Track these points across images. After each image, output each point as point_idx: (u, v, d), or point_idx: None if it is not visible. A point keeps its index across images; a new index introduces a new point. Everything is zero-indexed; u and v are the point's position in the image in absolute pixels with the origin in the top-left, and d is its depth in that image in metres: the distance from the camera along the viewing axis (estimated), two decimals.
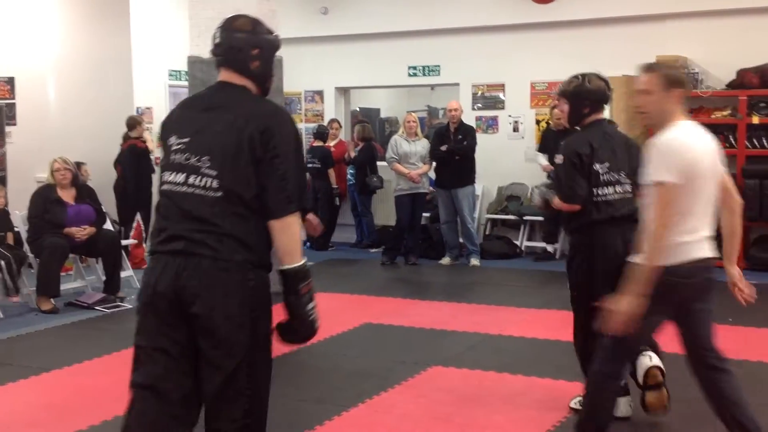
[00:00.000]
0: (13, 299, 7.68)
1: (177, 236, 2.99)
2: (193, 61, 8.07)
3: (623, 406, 4.69)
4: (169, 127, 3.19)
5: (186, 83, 8.83)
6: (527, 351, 6.31)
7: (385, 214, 11.49)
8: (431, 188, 10.43)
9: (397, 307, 7.79)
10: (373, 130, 12.52)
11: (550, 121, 10.23)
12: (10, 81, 10.03)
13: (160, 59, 11.45)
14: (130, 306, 7.94)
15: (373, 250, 11.01)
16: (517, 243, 10.80)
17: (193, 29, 8.09)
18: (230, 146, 2.96)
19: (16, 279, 7.67)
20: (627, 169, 4.55)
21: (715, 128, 9.53)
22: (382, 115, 16.44)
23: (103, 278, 8.28)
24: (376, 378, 5.58)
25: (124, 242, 9.06)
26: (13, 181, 9.47)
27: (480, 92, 11.38)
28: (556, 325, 6.42)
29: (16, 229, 8.21)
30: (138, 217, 9.88)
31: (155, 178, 10.41)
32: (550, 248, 10.36)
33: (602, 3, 10.38)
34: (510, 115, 11.19)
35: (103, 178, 9.83)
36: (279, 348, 3.16)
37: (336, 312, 7.01)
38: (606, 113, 4.95)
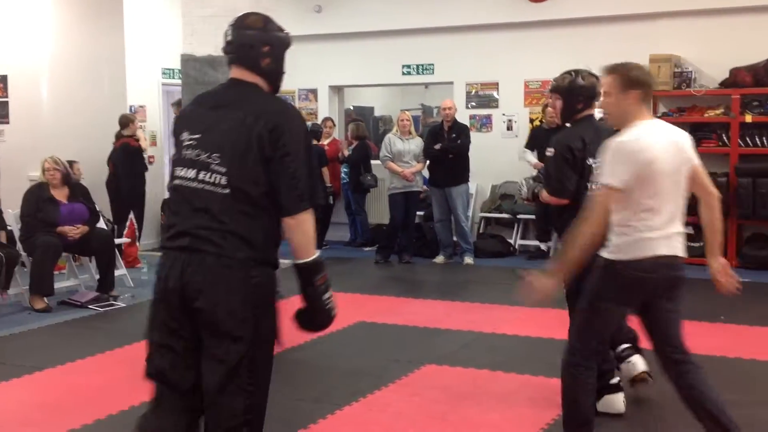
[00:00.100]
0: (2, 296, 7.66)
1: (184, 233, 3.04)
2: (187, 60, 8.06)
3: (617, 403, 4.70)
4: (181, 122, 3.23)
5: (179, 81, 8.82)
6: (521, 349, 6.32)
7: (378, 212, 11.49)
8: (425, 187, 10.44)
9: (391, 305, 7.79)
10: (367, 128, 12.52)
11: (543, 120, 10.23)
12: (3, 79, 10.01)
13: (153, 57, 11.43)
14: (124, 305, 7.93)
15: (367, 249, 11.02)
16: (511, 241, 10.82)
17: (187, 27, 8.09)
18: (239, 144, 2.99)
19: (9, 277, 7.66)
20: None
21: (708, 127, 9.71)
22: (376, 113, 16.43)
23: (97, 277, 8.26)
24: (371, 376, 5.58)
25: (117, 241, 9.05)
26: (5, 179, 9.45)
27: (474, 91, 11.39)
28: (550, 323, 6.42)
29: (9, 228, 8.19)
30: (131, 215, 9.85)
31: (148, 176, 10.41)
32: (543, 246, 10.36)
33: (596, 2, 10.39)
34: (504, 114, 11.20)
35: (96, 177, 9.81)
36: (274, 347, 3.18)
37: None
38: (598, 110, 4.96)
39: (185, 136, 3.13)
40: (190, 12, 8.07)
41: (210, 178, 3.02)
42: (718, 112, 9.62)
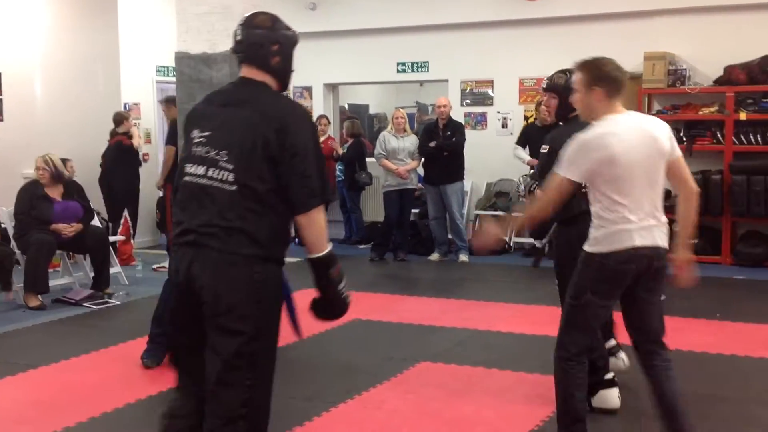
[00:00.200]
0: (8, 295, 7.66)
1: (191, 228, 3.12)
2: (181, 57, 8.03)
3: (612, 398, 4.72)
4: (192, 120, 3.30)
5: (173, 79, 8.79)
6: (516, 347, 6.33)
7: (373, 210, 11.49)
8: (420, 185, 10.44)
9: (386, 303, 7.79)
10: (361, 126, 12.51)
11: (537, 117, 10.22)
12: None
13: (147, 55, 11.42)
14: (118, 302, 7.92)
15: (362, 246, 11.02)
16: (506, 239, 10.81)
17: (181, 25, 8.06)
18: (247, 142, 3.05)
19: (8, 277, 7.65)
20: None
21: (702, 124, 9.72)
22: (371, 111, 16.43)
23: (91, 275, 8.25)
24: (366, 374, 5.58)
25: (111, 238, 9.04)
26: None
27: (469, 88, 11.40)
28: (545, 320, 6.43)
29: (3, 226, 8.16)
30: (125, 213, 9.84)
31: (143, 174, 10.38)
32: (538, 244, 10.32)
33: None
34: (498, 112, 11.21)
35: (90, 174, 9.77)
36: (276, 343, 3.22)
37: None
38: None
39: (195, 133, 3.20)
40: (184, 9, 8.04)
41: (218, 174, 3.08)
42: (712, 109, 9.64)
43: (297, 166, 3.03)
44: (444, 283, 9.05)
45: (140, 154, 10.46)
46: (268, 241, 3.08)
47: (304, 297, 3.29)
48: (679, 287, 3.99)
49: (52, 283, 7.94)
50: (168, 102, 9.98)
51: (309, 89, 12.16)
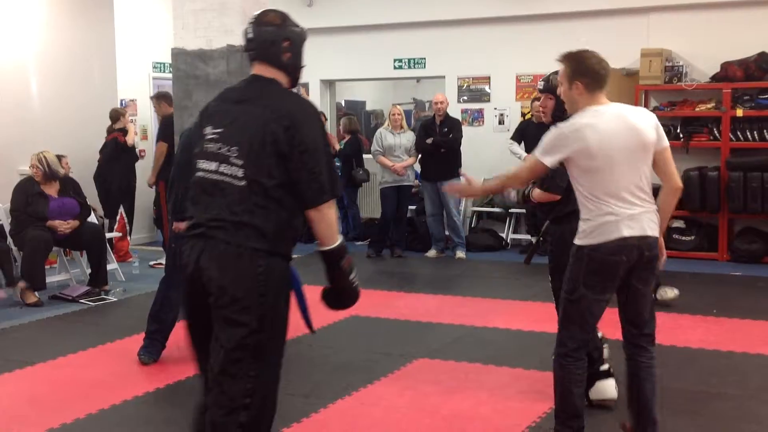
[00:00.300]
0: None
1: (201, 222, 3.19)
2: (177, 53, 8.02)
3: (609, 389, 4.74)
4: (205, 117, 3.36)
5: (170, 75, 8.78)
6: (513, 343, 6.33)
7: (370, 207, 11.48)
8: (417, 182, 10.43)
9: (383, 299, 7.79)
10: (358, 122, 12.50)
11: (533, 114, 10.23)
12: None
13: (143, 51, 11.39)
14: (115, 299, 7.91)
15: (359, 243, 11.01)
16: (503, 235, 10.83)
17: (177, 21, 8.05)
18: (256, 138, 3.12)
19: (10, 272, 7.64)
20: None
21: (699, 121, 9.73)
22: (368, 107, 16.41)
23: (88, 271, 8.24)
24: (363, 370, 5.58)
25: (108, 235, 9.03)
26: None
27: (465, 85, 11.39)
28: (542, 317, 6.44)
29: None
30: (121, 209, 9.82)
31: (139, 171, 10.36)
32: (535, 240, 10.36)
33: None
34: (495, 108, 11.21)
35: (86, 171, 9.76)
36: (284, 335, 3.28)
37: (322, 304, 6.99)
38: None
39: (208, 130, 3.27)
40: (180, 5, 8.03)
41: (228, 170, 3.15)
42: (709, 106, 9.64)
43: (307, 162, 3.11)
44: (441, 280, 9.05)
45: (137, 150, 10.43)
46: (275, 235, 3.14)
47: (308, 292, 3.33)
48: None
49: (48, 279, 7.93)
50: (159, 98, 9.96)
51: (305, 86, 12.13)
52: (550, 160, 3.88)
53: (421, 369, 5.65)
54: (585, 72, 3.88)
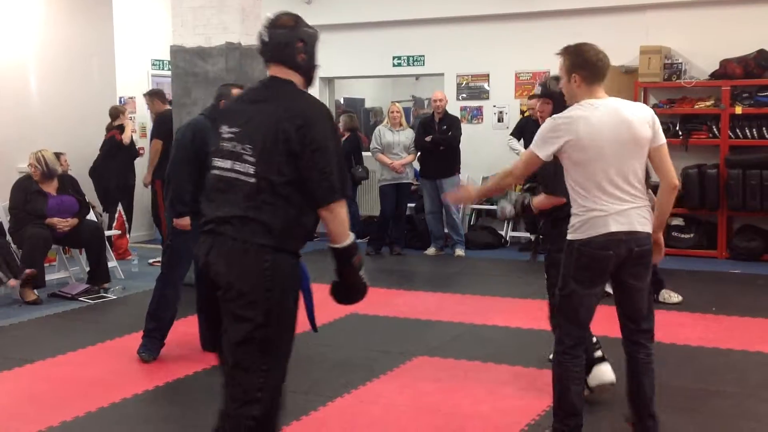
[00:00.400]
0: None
1: (212, 218, 3.28)
2: (176, 51, 8.02)
3: (606, 373, 4.77)
4: (222, 117, 3.48)
5: (169, 73, 8.78)
6: (512, 341, 6.33)
7: (370, 204, 11.48)
8: (416, 180, 10.42)
9: (382, 297, 7.78)
10: (357, 120, 12.49)
11: (530, 112, 10.24)
12: None
13: (142, 49, 11.38)
14: (114, 297, 7.91)
15: (359, 241, 10.94)
16: (502, 233, 10.83)
17: (176, 19, 8.05)
18: (269, 136, 3.20)
19: (12, 264, 7.64)
20: None
21: (698, 118, 9.73)
22: (367, 105, 16.40)
23: (87, 269, 8.23)
24: (362, 368, 5.58)
25: (107, 233, 9.02)
26: None
27: (464, 82, 11.38)
28: (541, 314, 6.39)
29: None
30: (120, 207, 9.81)
31: (138, 168, 10.35)
32: (533, 238, 10.36)
33: None
34: (494, 106, 11.20)
35: (84, 168, 9.76)
36: (292, 331, 3.34)
37: (322, 302, 6.95)
38: None
39: (224, 129, 3.35)
40: (179, 3, 8.04)
41: (241, 168, 3.23)
42: (708, 103, 9.63)
43: (318, 161, 3.18)
44: (440, 278, 9.05)
45: (136, 147, 10.41)
46: (282, 232, 3.20)
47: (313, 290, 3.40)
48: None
49: (47, 277, 7.93)
50: (152, 95, 9.96)
51: None
52: (544, 153, 3.91)
53: (421, 367, 5.65)
54: (583, 64, 3.91)
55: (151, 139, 9.95)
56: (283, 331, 3.26)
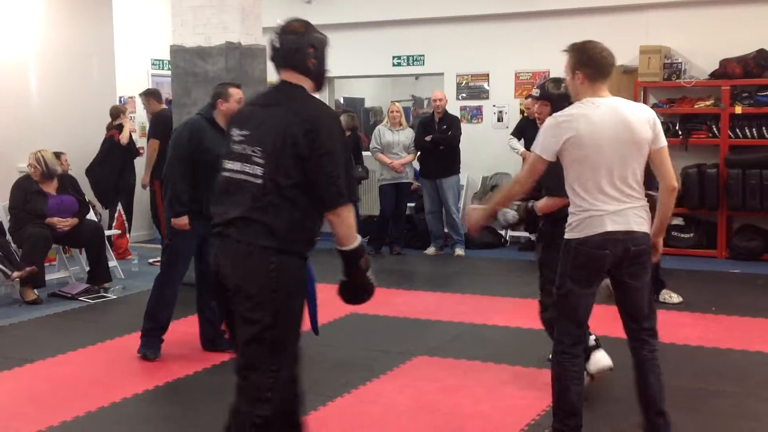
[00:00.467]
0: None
1: (219, 221, 3.36)
2: (176, 50, 8.02)
3: (603, 358, 4.80)
4: (234, 120, 3.55)
5: (169, 72, 8.78)
6: (512, 340, 6.33)
7: (369, 204, 11.47)
8: (416, 180, 10.42)
9: (382, 297, 7.70)
10: (357, 119, 12.49)
11: (526, 111, 10.24)
12: None
13: (142, 48, 11.38)
14: (114, 296, 7.91)
15: None
16: (502, 233, 10.82)
17: (176, 18, 8.05)
18: (278, 139, 3.25)
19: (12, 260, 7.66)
20: None
21: (698, 118, 9.73)
22: (367, 104, 16.40)
23: (87, 268, 8.23)
24: (362, 368, 5.59)
25: (107, 232, 9.02)
26: None
27: (464, 82, 11.38)
28: None
29: None
30: (119, 207, 9.81)
31: (138, 168, 10.34)
32: (534, 238, 10.36)
33: None
34: (494, 105, 11.20)
35: (84, 169, 9.76)
36: (298, 332, 3.42)
37: (322, 302, 6.92)
38: None
39: (235, 132, 3.42)
40: (179, 3, 8.04)
41: (250, 169, 3.29)
42: (708, 103, 9.63)
43: (325, 165, 3.23)
44: (440, 277, 9.05)
45: (137, 147, 10.39)
46: (286, 233, 3.25)
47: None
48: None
49: (47, 277, 7.93)
50: (147, 95, 9.96)
51: None
52: (547, 153, 3.91)
53: (421, 366, 5.66)
54: (586, 62, 3.92)
55: (148, 139, 9.95)
56: (291, 332, 3.33)
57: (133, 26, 11.18)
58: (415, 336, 6.48)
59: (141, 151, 10.73)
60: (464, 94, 11.39)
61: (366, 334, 6.57)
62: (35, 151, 8.02)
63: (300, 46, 3.41)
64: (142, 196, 10.56)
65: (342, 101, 15.13)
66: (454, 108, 10.84)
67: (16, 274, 7.48)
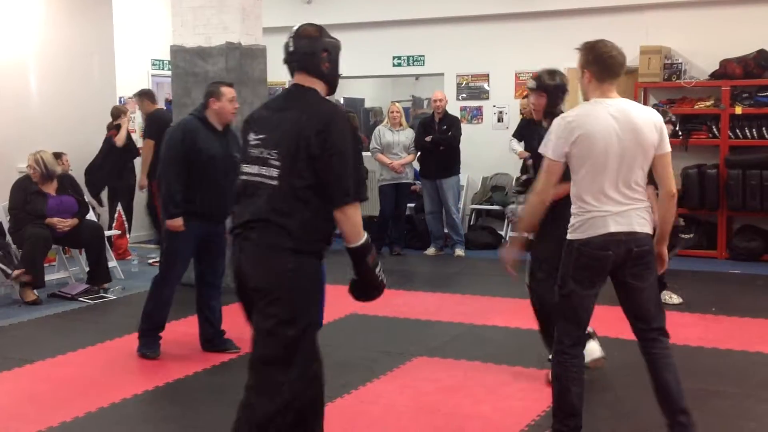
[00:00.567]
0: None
1: (238, 223, 3.46)
2: (176, 51, 8.02)
3: (596, 349, 4.88)
4: (249, 124, 3.60)
5: (169, 72, 8.78)
6: (512, 341, 6.33)
7: (369, 204, 11.45)
8: (416, 180, 10.42)
9: (382, 297, 7.76)
10: (357, 120, 12.49)
11: (523, 110, 10.24)
12: None
13: (142, 49, 11.37)
14: (114, 297, 7.90)
15: None
16: (502, 233, 10.82)
17: (176, 18, 8.05)
18: (293, 142, 3.35)
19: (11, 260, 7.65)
20: None
21: (698, 118, 9.72)
22: (367, 105, 16.39)
23: (87, 269, 8.23)
24: (362, 369, 5.59)
25: (107, 233, 9.02)
26: None
27: (464, 82, 11.38)
28: None
29: None
30: (119, 207, 9.80)
31: (137, 166, 10.34)
32: (532, 237, 10.34)
33: None
34: (494, 106, 11.20)
35: (84, 169, 9.75)
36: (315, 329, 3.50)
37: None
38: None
39: (251, 136, 3.50)
40: (179, 3, 8.03)
41: (267, 172, 3.39)
42: (708, 103, 9.63)
43: (335, 165, 3.32)
44: (440, 278, 9.05)
45: (136, 147, 10.39)
46: (301, 234, 3.35)
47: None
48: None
49: (47, 277, 7.92)
50: (141, 96, 9.96)
51: None
52: (557, 153, 3.90)
53: (420, 367, 5.65)
54: (594, 61, 3.92)
55: (143, 140, 9.95)
56: (306, 330, 3.40)
57: (133, 26, 11.18)
58: (415, 336, 6.48)
59: (141, 151, 10.73)
60: (464, 95, 11.39)
61: (366, 335, 6.57)
62: (34, 152, 8.01)
63: (314, 50, 3.49)
64: (141, 197, 10.56)
65: (342, 101, 15.12)
66: (454, 108, 10.84)
67: (16, 272, 7.48)
